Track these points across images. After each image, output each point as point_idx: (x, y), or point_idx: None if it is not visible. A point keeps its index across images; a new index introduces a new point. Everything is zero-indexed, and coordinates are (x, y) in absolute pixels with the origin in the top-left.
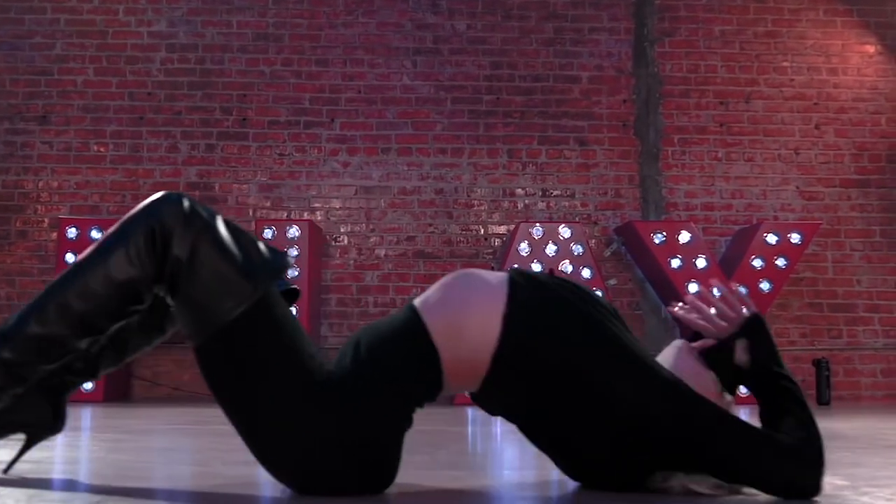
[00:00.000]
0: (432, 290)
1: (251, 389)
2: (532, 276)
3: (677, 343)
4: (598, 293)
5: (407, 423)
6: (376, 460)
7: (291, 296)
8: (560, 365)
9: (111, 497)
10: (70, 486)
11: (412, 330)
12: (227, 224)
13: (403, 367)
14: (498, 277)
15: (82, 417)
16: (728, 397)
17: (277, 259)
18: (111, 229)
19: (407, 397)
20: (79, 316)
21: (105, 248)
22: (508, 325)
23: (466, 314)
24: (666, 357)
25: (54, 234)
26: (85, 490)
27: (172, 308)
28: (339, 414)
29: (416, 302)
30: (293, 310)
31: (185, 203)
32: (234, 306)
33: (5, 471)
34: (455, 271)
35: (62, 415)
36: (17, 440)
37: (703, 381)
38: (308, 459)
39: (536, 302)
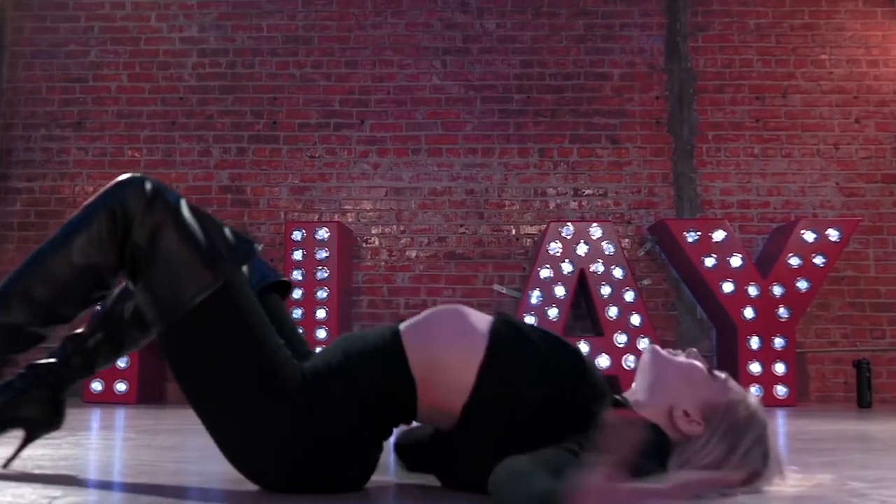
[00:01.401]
0: (420, 318)
1: (211, 378)
2: (517, 326)
3: (651, 349)
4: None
5: (373, 435)
6: (333, 463)
7: (283, 289)
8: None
9: (74, 491)
10: (29, 479)
11: (392, 354)
12: (193, 209)
13: (375, 386)
14: (484, 323)
15: (106, 418)
16: (720, 375)
17: (242, 246)
18: (74, 214)
19: (375, 414)
20: (42, 304)
21: (67, 232)
22: (482, 378)
23: (446, 356)
24: (642, 366)
25: None
26: (41, 483)
27: (134, 293)
28: (298, 412)
29: (402, 327)
30: (325, 311)
31: (148, 186)
32: (196, 293)
33: (5, 465)
34: (446, 305)
35: (61, 411)
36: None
37: (692, 375)
38: (265, 455)
39: (513, 357)
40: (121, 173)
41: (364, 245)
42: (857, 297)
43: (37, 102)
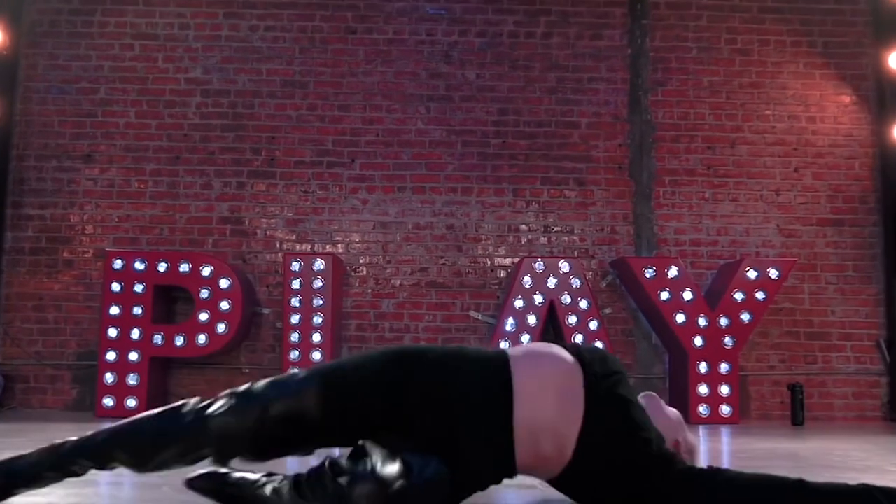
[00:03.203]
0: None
1: None
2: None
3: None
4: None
5: None
6: None
7: None
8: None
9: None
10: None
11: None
12: None
13: None
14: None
15: None
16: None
17: None
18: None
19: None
20: None
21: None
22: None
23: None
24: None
25: (98, 264)
26: None
27: None
28: None
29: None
30: (320, 335)
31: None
32: None
33: None
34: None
35: None
36: None
37: (671, 423)
38: None
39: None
40: (127, 203)
41: (353, 274)
42: (793, 327)
43: (49, 135)
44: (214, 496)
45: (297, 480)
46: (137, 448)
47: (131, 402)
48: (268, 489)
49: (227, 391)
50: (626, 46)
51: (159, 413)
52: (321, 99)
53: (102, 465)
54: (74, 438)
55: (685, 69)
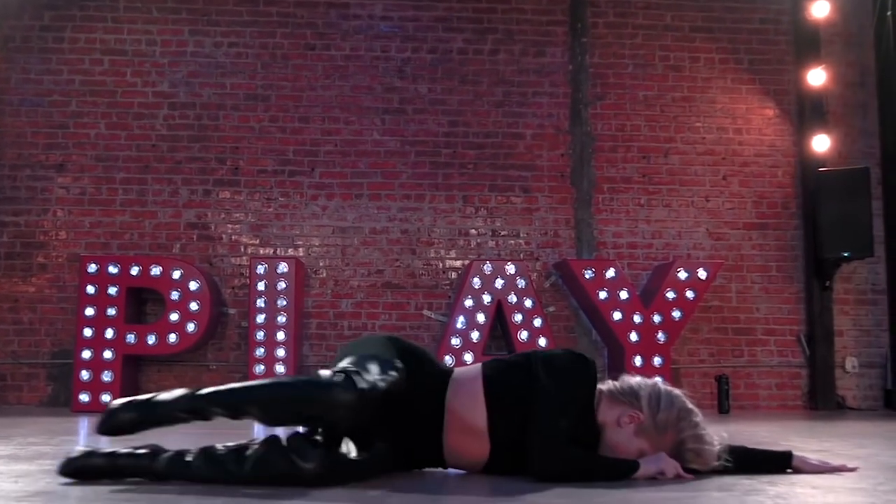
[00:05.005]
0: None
1: None
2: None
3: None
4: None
5: None
6: None
7: None
8: None
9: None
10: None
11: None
12: None
13: None
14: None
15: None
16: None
17: None
18: None
19: None
20: None
21: None
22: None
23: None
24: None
25: (71, 268)
26: None
27: None
28: None
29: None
30: (284, 333)
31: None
32: None
33: None
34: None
35: None
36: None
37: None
38: None
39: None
40: (98, 210)
41: (314, 276)
42: (722, 323)
43: (22, 146)
44: (111, 473)
45: (212, 453)
46: (274, 408)
47: (106, 398)
48: (189, 458)
49: (340, 369)
50: (568, 63)
51: (294, 380)
52: (282, 111)
53: (235, 417)
54: (211, 389)
55: (622, 84)
